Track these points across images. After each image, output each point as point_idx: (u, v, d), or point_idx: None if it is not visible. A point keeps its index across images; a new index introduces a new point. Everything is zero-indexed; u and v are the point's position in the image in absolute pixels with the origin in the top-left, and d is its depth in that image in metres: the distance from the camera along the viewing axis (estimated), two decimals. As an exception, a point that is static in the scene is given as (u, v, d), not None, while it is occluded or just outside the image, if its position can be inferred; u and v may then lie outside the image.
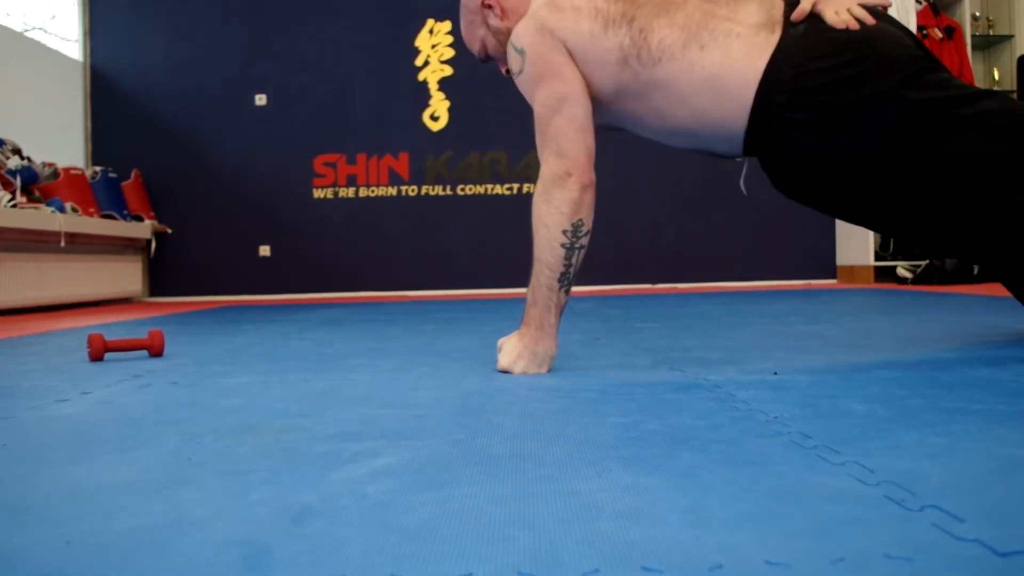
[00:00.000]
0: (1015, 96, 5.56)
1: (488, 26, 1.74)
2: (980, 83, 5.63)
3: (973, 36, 5.52)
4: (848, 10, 1.51)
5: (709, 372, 1.45)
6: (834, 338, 2.00)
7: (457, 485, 0.76)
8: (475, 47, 1.79)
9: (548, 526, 0.63)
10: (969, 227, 1.51)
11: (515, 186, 5.86)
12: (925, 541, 0.58)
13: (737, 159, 1.69)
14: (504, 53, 1.73)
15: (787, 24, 1.53)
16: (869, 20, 1.51)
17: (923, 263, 5.26)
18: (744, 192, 1.82)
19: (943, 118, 1.44)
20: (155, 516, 0.68)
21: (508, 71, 1.76)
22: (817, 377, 1.36)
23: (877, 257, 5.51)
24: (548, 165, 1.53)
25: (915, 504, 0.66)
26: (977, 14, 5.65)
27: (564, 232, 1.49)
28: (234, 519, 0.67)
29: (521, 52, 1.60)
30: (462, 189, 5.90)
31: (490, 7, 1.72)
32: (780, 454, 0.84)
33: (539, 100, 1.57)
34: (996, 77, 5.77)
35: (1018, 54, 5.56)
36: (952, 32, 5.26)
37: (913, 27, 5.14)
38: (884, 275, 5.55)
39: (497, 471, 0.81)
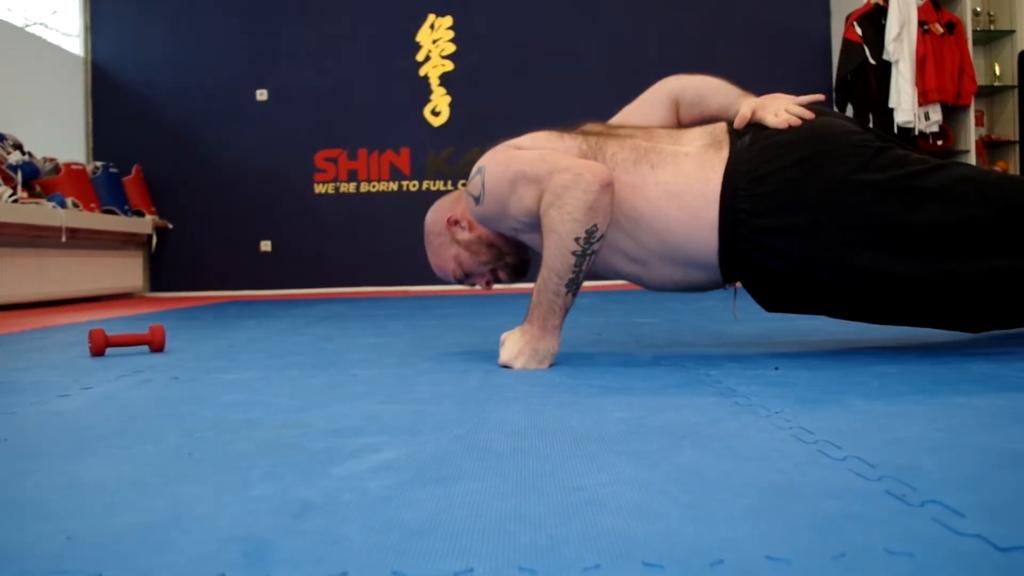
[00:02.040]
0: (1016, 93, 5.56)
1: (458, 242, 1.75)
2: (981, 79, 5.62)
3: (974, 31, 5.50)
4: (786, 110, 1.51)
5: (711, 367, 1.45)
6: (835, 333, 2.00)
7: (458, 480, 0.76)
8: (449, 268, 1.79)
9: (549, 521, 0.63)
10: (956, 297, 1.46)
11: (516, 181, 5.85)
12: (926, 536, 0.58)
13: (726, 287, 1.66)
14: (481, 263, 1.75)
15: (733, 137, 1.53)
16: (808, 115, 1.51)
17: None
18: (736, 318, 1.84)
19: (909, 192, 1.41)
20: (156, 512, 0.68)
21: (488, 282, 1.79)
22: (818, 372, 1.36)
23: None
24: (554, 179, 1.47)
25: (916, 499, 0.66)
26: (978, 9, 5.64)
27: (577, 239, 1.44)
28: (235, 515, 0.67)
29: (480, 171, 1.62)
30: (463, 184, 5.88)
31: (456, 222, 1.75)
32: (781, 449, 0.84)
33: (521, 176, 1.54)
34: (997, 72, 5.76)
35: (1019, 50, 5.55)
36: (953, 27, 5.25)
37: (914, 23, 5.13)
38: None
39: (498, 466, 0.81)
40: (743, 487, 0.71)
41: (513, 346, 1.53)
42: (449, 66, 5.97)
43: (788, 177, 1.45)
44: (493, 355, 1.59)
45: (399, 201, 5.89)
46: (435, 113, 5.96)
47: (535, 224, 1.55)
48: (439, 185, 5.89)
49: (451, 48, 5.97)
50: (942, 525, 0.60)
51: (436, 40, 5.99)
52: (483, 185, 1.60)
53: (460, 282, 1.82)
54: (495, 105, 5.86)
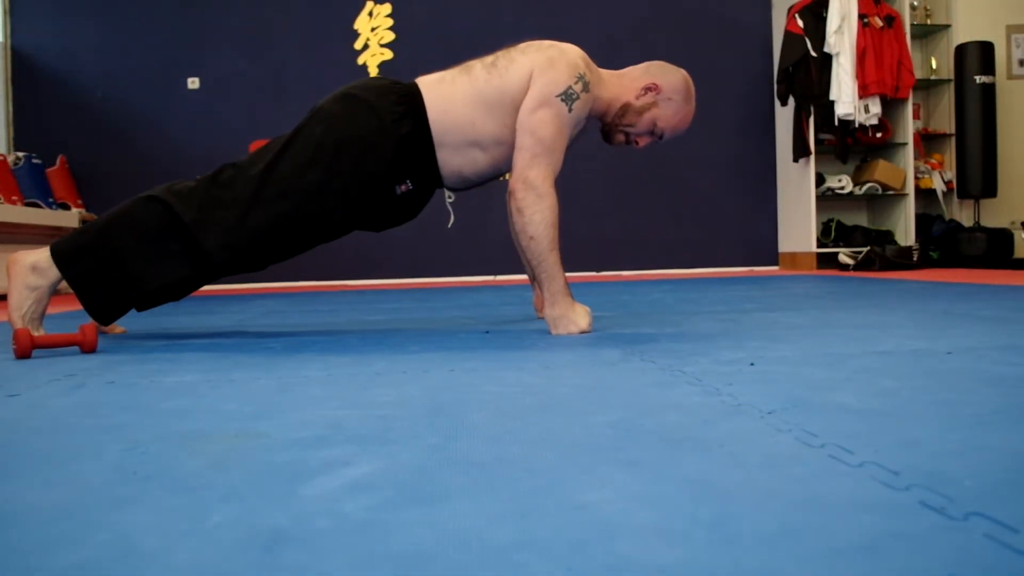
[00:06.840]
0: (952, 86, 5.65)
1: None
2: (918, 72, 5.70)
3: (912, 25, 5.58)
4: None
5: (683, 364, 1.38)
6: (796, 325, 1.97)
7: (445, 500, 0.67)
8: None
9: (561, 550, 0.55)
10: None
11: (458, 173, 5.75)
12: (985, 558, 0.52)
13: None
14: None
15: None
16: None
17: (864, 250, 5.32)
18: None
19: None
20: (99, 547, 0.58)
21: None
22: (795, 368, 1.31)
23: (819, 244, 5.55)
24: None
25: (957, 512, 0.60)
26: (915, 3, 5.72)
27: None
28: (194, 549, 0.57)
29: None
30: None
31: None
32: (790, 455, 0.78)
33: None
34: (934, 66, 5.85)
35: (955, 44, 5.65)
36: (892, 21, 5.30)
37: (854, 16, 5.17)
38: (826, 262, 5.60)
39: (486, 482, 0.72)
40: (765, 501, 0.64)
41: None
42: (388, 55, 5.84)
43: None
44: (452, 351, 1.50)
45: (338, 193, 5.73)
46: (374, 103, 5.82)
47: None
48: (379, 177, 5.75)
49: (390, 36, 5.84)
50: (998, 543, 0.54)
51: (375, 28, 5.85)
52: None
53: None
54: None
